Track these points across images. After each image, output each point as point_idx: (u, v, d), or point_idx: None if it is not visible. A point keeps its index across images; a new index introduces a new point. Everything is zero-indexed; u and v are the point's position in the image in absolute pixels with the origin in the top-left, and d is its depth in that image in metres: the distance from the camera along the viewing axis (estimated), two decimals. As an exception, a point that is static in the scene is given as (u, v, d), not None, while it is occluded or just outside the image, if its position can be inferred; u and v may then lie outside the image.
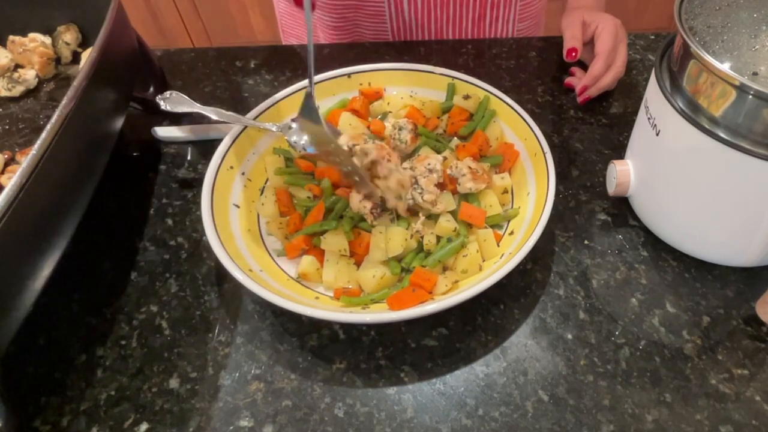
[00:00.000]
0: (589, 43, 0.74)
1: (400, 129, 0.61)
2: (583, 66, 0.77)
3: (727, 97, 0.43)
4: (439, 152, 0.61)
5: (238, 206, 0.58)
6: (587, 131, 0.70)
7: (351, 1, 0.83)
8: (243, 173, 0.61)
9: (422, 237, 0.55)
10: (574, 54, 0.72)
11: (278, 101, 0.64)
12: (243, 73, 0.80)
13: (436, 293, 0.51)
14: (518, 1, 0.84)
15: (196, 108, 0.63)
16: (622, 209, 0.61)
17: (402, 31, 0.85)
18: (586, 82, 0.70)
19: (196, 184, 0.66)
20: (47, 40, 0.74)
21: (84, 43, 0.76)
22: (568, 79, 0.75)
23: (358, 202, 0.56)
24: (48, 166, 0.45)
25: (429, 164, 0.57)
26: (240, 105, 0.75)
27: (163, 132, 0.71)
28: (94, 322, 0.54)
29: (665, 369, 0.49)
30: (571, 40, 0.73)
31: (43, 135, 0.45)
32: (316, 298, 0.53)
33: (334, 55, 0.82)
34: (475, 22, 0.85)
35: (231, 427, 0.47)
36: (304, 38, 0.92)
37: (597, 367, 0.49)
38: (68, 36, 0.73)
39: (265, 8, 2.00)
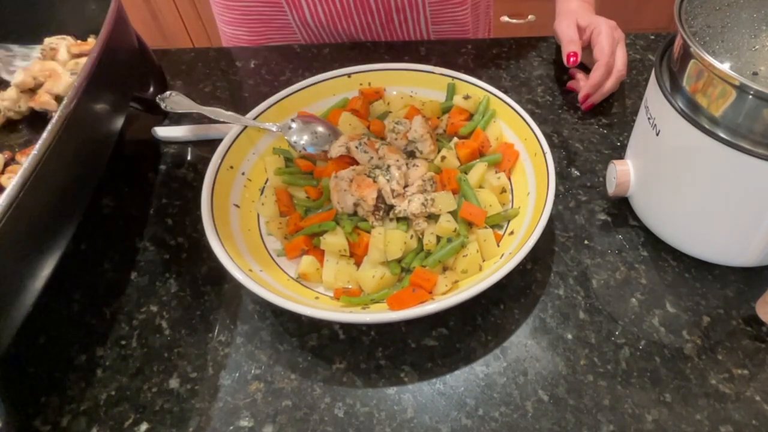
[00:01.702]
0: (587, 47, 0.74)
1: (397, 123, 0.61)
2: (584, 67, 0.77)
3: (727, 97, 0.43)
4: (438, 151, 0.62)
5: (238, 206, 0.58)
6: (587, 131, 0.70)
7: (258, 16, 0.83)
8: (243, 173, 0.61)
9: (423, 233, 0.55)
10: (573, 59, 0.71)
11: (278, 101, 0.64)
12: (243, 73, 0.80)
13: (436, 293, 0.51)
14: (427, 6, 0.82)
15: (196, 108, 0.63)
16: (622, 209, 0.61)
17: (315, 42, 0.86)
18: (587, 91, 0.70)
19: (196, 184, 0.66)
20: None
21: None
22: (571, 83, 0.75)
23: (352, 205, 0.56)
24: (48, 166, 0.45)
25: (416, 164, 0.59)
26: (240, 105, 0.75)
27: (163, 132, 0.71)
28: (94, 322, 0.54)
29: (665, 369, 0.49)
30: (569, 44, 0.72)
31: (44, 135, 0.45)
32: (316, 298, 0.53)
33: (334, 55, 0.82)
34: (384, 25, 0.84)
35: (231, 427, 0.47)
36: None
37: (597, 367, 0.49)
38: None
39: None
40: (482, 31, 0.95)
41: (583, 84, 0.72)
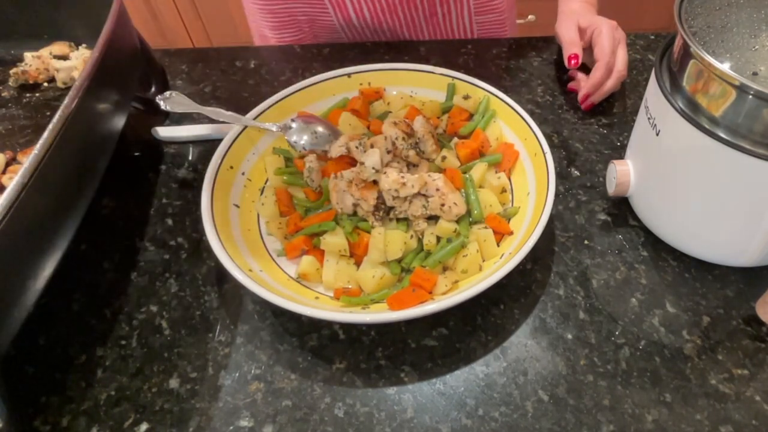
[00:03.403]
0: (588, 48, 0.74)
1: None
2: (585, 68, 0.77)
3: (727, 97, 0.43)
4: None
5: (238, 206, 0.58)
6: (587, 131, 0.70)
7: (303, 17, 0.84)
8: (243, 173, 0.61)
9: (423, 234, 0.55)
10: (574, 61, 0.71)
11: (278, 101, 0.64)
12: (243, 73, 0.80)
13: (436, 293, 0.52)
14: None
15: (196, 108, 0.63)
16: (622, 209, 0.61)
17: (358, 39, 0.86)
18: (587, 91, 0.70)
19: (196, 184, 0.66)
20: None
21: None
22: (571, 84, 0.74)
23: (351, 205, 0.56)
24: (50, 166, 0.45)
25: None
26: (240, 105, 0.75)
27: (164, 132, 0.71)
28: (94, 322, 0.54)
29: (665, 369, 0.49)
30: (570, 46, 0.72)
31: (45, 135, 0.45)
32: (316, 298, 0.53)
33: (334, 55, 0.82)
34: (427, 20, 0.84)
35: (231, 427, 0.47)
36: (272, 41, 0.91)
37: (597, 367, 0.49)
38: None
39: (265, 8, 2.00)
40: (510, 26, 0.95)
41: (583, 84, 0.72)
